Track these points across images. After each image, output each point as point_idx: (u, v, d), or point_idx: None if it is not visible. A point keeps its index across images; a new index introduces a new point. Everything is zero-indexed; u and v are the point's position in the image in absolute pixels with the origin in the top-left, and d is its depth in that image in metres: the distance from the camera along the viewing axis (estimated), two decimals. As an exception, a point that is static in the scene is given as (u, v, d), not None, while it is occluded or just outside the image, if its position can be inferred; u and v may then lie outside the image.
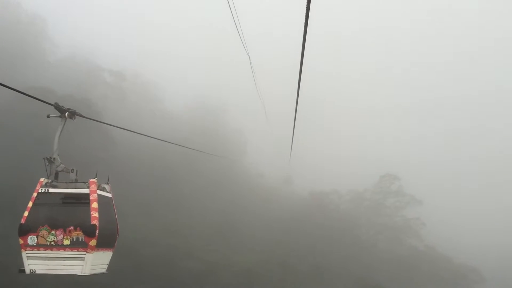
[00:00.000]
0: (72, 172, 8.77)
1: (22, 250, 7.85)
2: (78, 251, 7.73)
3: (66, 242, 7.76)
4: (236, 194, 57.35)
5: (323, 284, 41.76)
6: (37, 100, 7.53)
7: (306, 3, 4.36)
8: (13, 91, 6.37)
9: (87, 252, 7.73)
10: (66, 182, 8.60)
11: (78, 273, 7.79)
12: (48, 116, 9.10)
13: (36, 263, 7.87)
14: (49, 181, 8.46)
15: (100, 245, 8.00)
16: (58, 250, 7.75)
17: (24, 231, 7.85)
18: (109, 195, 9.21)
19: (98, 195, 8.27)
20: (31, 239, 7.80)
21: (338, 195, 61.75)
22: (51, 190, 8.26)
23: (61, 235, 7.79)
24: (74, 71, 55.62)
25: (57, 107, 8.40)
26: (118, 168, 40.62)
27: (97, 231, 7.76)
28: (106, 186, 9.22)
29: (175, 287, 32.85)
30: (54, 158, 8.66)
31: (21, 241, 7.84)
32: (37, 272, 7.92)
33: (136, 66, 71.35)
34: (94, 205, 7.97)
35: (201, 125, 74.83)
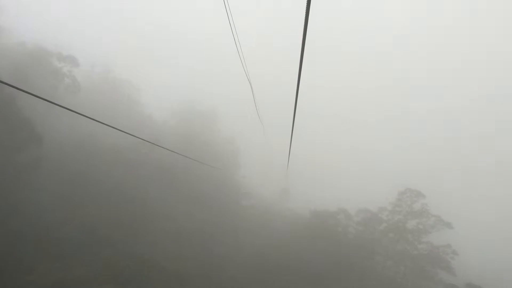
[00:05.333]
0: None
1: None
2: None
3: None
4: (222, 215, 46.25)
5: None
6: None
7: (305, 12, 4.47)
8: None
9: None
10: None
11: None
12: None
13: None
14: None
15: None
16: None
17: None
18: None
19: None
20: None
21: (346, 215, 50.31)
22: None
23: None
24: (24, 59, 45.52)
25: None
26: (44, 176, 29.50)
27: None
28: None
29: None
30: None
31: None
32: None
33: (109, 62, 61.63)
34: None
35: (187, 132, 64.40)
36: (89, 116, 9.13)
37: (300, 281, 37.25)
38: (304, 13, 4.74)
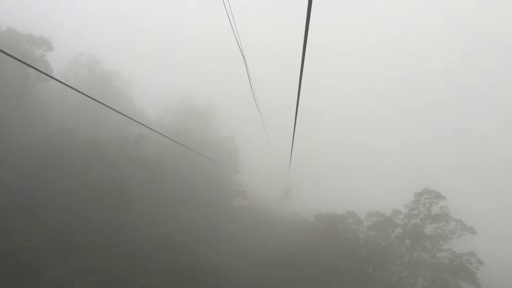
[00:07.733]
0: None
1: None
2: None
3: None
4: (213, 218, 41.50)
5: None
6: None
7: (306, 12, 4.40)
8: None
9: None
10: None
11: None
12: None
13: None
14: None
15: None
16: None
17: None
18: None
19: None
20: None
21: (355, 220, 45.24)
22: None
23: None
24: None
25: None
26: (2, 174, 24.78)
27: None
28: None
29: None
30: None
31: None
32: None
33: (96, 52, 56.90)
34: None
35: (182, 128, 59.61)
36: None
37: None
38: (306, 11, 4.35)
